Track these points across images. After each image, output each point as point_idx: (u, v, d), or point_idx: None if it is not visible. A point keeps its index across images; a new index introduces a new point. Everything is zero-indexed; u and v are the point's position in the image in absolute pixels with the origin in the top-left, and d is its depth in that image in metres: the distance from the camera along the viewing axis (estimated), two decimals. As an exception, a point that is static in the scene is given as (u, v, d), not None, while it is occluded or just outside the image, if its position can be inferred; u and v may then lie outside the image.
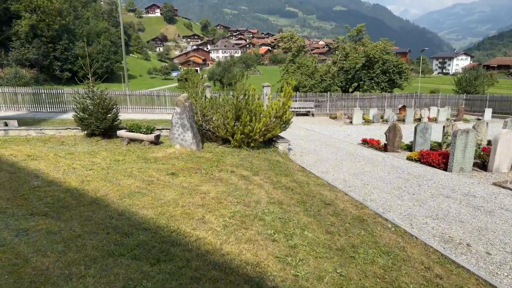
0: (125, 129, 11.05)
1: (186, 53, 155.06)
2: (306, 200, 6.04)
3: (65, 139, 11.03)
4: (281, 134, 11.90)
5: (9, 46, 58.66)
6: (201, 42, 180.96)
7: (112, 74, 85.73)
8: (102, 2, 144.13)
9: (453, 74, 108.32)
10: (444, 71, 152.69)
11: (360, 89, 40.97)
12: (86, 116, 10.79)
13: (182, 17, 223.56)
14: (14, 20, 59.65)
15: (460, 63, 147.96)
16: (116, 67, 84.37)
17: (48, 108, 21.50)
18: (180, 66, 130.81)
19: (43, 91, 21.81)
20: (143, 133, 10.56)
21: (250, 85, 10.62)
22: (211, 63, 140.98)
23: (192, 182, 6.72)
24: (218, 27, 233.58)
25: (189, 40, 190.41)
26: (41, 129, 11.63)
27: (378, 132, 17.77)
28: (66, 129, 11.84)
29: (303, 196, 6.30)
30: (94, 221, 4.71)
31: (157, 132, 10.87)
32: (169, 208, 5.23)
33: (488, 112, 24.61)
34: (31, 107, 21.27)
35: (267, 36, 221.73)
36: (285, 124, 10.87)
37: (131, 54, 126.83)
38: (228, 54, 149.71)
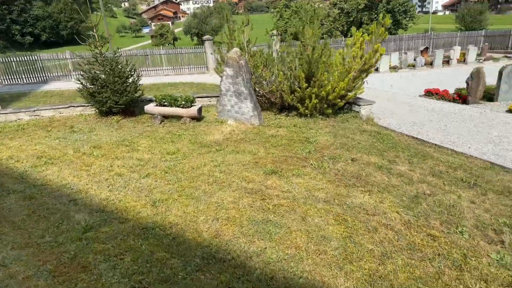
0: (153, 101, 8.21)
1: (154, 7, 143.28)
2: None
3: (73, 121, 8.12)
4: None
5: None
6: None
7: (78, 36, 77.89)
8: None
9: (433, 12, 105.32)
10: (424, 9, 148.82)
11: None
12: (98, 88, 7.82)
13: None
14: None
15: (439, 0, 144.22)
16: (83, 28, 76.61)
17: (24, 79, 17.76)
18: (150, 22, 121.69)
19: (13, 59, 17.90)
20: (181, 107, 7.78)
21: (319, 30, 7.81)
22: (183, 16, 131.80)
23: (328, 191, 4.22)
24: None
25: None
26: (34, 111, 8.60)
27: (418, 80, 15.46)
28: (68, 107, 8.84)
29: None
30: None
31: (198, 104, 8.11)
32: None
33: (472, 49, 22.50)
34: (3, 79, 17.51)
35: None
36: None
37: (95, 12, 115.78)
38: (200, 4, 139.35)
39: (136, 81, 8.22)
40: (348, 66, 7.52)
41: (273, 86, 7.88)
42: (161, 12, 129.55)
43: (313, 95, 7.47)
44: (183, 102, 7.78)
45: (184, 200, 4.04)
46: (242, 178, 4.61)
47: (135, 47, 54.62)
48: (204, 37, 20.56)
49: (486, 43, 25.43)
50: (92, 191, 4.37)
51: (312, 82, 7.59)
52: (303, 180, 4.50)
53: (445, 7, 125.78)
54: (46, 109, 8.68)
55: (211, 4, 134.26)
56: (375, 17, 36.46)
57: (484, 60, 22.31)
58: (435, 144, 6.40)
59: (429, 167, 4.98)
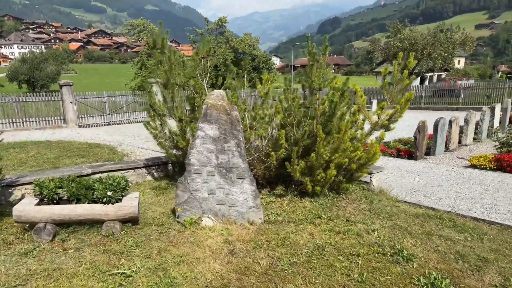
0: (23, 190, 3.85)
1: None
2: None
3: None
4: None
5: None
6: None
7: None
8: None
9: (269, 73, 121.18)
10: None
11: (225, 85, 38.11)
12: None
13: None
14: None
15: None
16: None
17: None
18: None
19: None
20: (104, 203, 3.76)
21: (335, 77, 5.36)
22: (4, 61, 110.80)
23: None
24: (6, 18, 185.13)
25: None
26: None
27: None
28: None
29: None
30: None
31: (134, 193, 4.19)
32: None
33: (375, 102, 25.88)
34: None
35: (75, 31, 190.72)
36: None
37: None
38: (28, 49, 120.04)
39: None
40: (370, 122, 5.24)
41: (270, 151, 4.78)
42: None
43: (332, 164, 4.76)
44: (107, 193, 3.78)
45: None
46: None
47: None
48: (62, 82, 15.35)
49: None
50: None
51: (324, 144, 4.90)
52: None
53: (278, 69, 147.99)
54: None
55: (42, 50, 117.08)
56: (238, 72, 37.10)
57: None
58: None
59: None
